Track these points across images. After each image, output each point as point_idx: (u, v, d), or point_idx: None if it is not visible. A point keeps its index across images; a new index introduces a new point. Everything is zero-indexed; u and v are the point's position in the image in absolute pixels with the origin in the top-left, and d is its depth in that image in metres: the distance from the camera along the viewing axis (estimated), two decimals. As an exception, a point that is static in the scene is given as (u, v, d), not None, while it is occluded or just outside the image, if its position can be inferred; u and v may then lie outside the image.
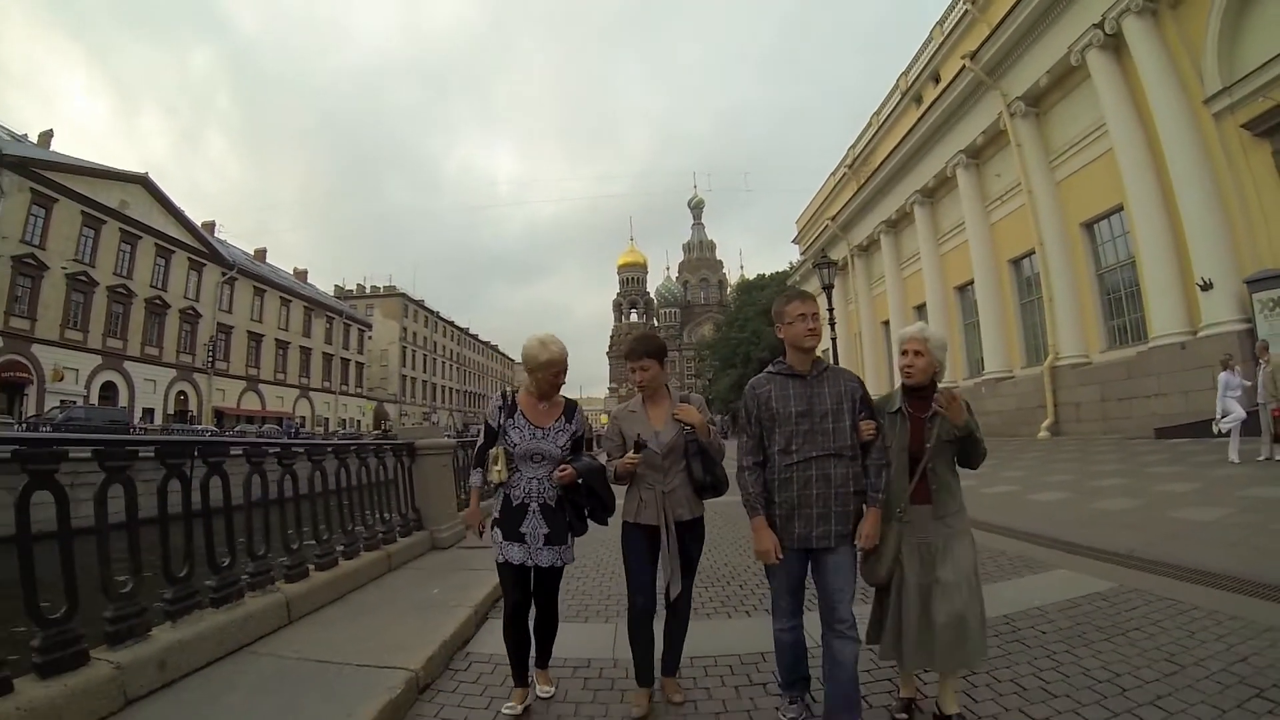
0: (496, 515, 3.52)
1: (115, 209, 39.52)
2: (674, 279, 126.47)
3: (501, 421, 3.53)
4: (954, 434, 2.99)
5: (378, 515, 6.94)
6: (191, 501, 4.17)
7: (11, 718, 2.61)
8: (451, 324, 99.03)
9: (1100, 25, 16.51)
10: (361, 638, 4.38)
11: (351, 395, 69.01)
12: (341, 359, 67.35)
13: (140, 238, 41.70)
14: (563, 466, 3.39)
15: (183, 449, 4.23)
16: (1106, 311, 18.75)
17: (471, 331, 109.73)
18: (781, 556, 2.94)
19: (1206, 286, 14.18)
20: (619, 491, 3.55)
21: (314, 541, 5.61)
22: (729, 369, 64.35)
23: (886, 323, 32.67)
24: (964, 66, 21.79)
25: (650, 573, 3.41)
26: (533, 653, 3.63)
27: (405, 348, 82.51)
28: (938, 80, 25.88)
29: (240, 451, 4.91)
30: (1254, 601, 4.44)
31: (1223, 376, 10.39)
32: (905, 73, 29.30)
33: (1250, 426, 10.16)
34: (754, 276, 79.79)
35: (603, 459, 3.66)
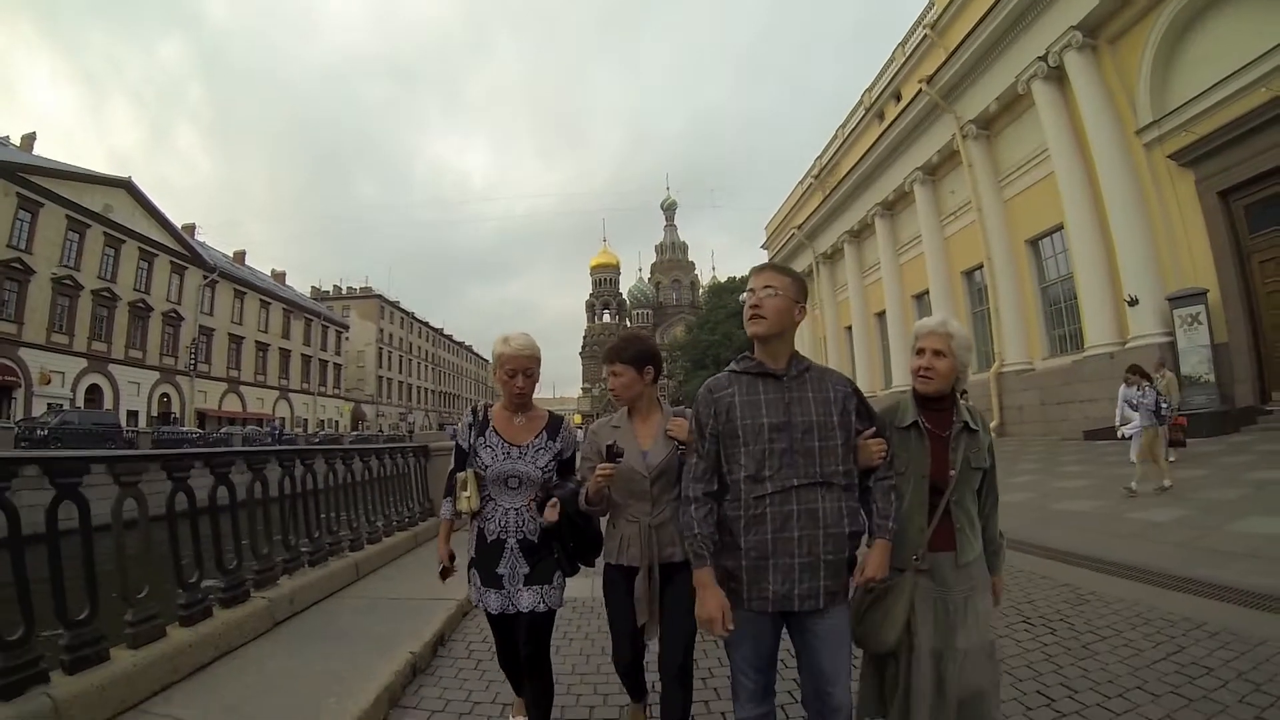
0: (472, 554, 3.05)
1: (99, 213, 39.97)
2: (646, 280, 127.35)
3: (472, 440, 3.04)
4: (985, 460, 2.47)
5: (404, 504, 8.48)
6: (296, 490, 5.85)
7: (218, 629, 4.17)
8: (426, 325, 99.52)
9: (1044, 58, 17.67)
10: (414, 584, 5.92)
11: (330, 396, 69.44)
12: (320, 360, 67.78)
13: (124, 241, 42.22)
14: (552, 501, 2.81)
15: (292, 454, 5.91)
16: (1049, 321, 20.08)
17: (446, 332, 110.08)
18: (732, 627, 2.22)
19: (1133, 302, 15.52)
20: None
21: (365, 522, 7.19)
22: (700, 370, 65.29)
23: (850, 328, 34.15)
24: (920, 90, 23.10)
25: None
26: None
27: (381, 349, 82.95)
28: (899, 99, 27.03)
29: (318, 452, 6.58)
30: (1068, 567, 6.07)
31: (1122, 390, 11.81)
32: (869, 89, 30.53)
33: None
34: (725, 279, 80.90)
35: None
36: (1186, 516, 7.33)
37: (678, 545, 2.68)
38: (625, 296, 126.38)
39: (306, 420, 63.29)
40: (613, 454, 2.68)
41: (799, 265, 39.45)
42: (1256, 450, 10.74)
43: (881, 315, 30.22)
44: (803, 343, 38.67)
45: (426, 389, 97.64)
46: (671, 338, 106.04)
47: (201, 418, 48.36)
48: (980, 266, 22.30)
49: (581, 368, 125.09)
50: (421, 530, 8.34)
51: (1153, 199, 15.67)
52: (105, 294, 40.72)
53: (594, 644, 4.62)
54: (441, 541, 3.11)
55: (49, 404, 34.89)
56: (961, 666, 2.29)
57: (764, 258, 49.77)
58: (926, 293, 25.74)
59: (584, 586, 4.67)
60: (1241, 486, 8.38)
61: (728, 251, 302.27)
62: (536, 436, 3.05)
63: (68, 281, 37.91)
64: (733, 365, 2.47)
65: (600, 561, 3.05)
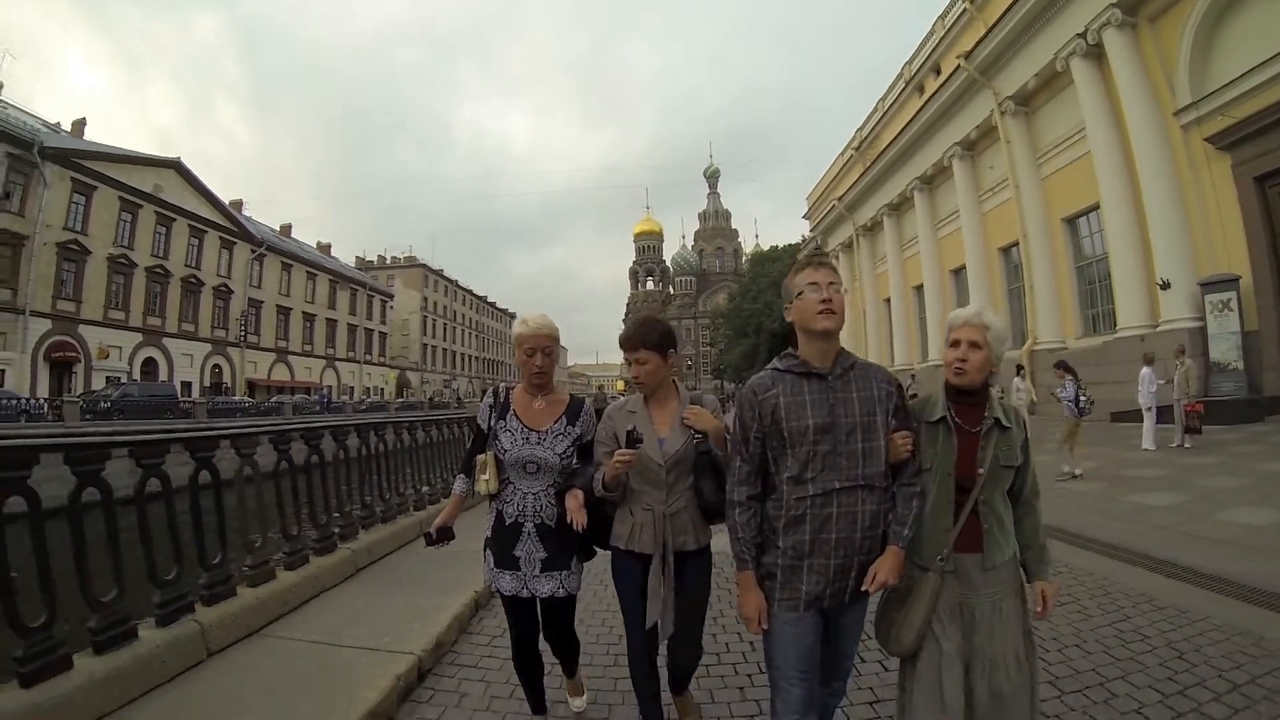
0: (488, 534, 3.10)
1: (150, 193, 41.27)
2: (690, 247, 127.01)
3: (492, 423, 3.03)
4: (1017, 459, 2.32)
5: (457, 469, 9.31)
6: (370, 454, 6.77)
7: (315, 572, 5.08)
8: (470, 292, 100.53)
9: (1083, 35, 17.50)
10: (471, 540, 6.79)
11: (375, 364, 70.97)
12: (365, 329, 69.29)
13: (175, 220, 43.59)
14: (580, 504, 2.74)
15: (368, 426, 6.87)
16: (1084, 301, 20.08)
17: (490, 300, 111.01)
18: (766, 627, 2.29)
19: (1165, 286, 15.51)
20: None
21: (427, 485, 8.11)
22: (742, 339, 65.47)
23: (888, 300, 34.15)
24: (959, 65, 22.91)
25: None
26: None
27: (426, 317, 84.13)
28: (938, 72, 26.92)
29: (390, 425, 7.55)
30: (1053, 543, 6.43)
31: (1144, 371, 11.99)
32: (909, 62, 30.37)
33: (1165, 416, 11.87)
34: (768, 248, 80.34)
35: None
36: (1181, 502, 7.61)
37: (690, 533, 2.77)
38: (669, 264, 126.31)
39: (353, 388, 64.78)
40: (632, 440, 2.64)
41: (839, 237, 39.57)
42: (1273, 441, 10.86)
43: (920, 289, 30.23)
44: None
45: (470, 356, 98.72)
46: (714, 305, 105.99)
47: (251, 387, 50.08)
48: (1016, 244, 22.26)
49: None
50: (475, 494, 9.45)
51: (1188, 182, 15.57)
52: (158, 270, 42.16)
53: (610, 591, 5.06)
54: (447, 514, 3.15)
55: (107, 377, 36.79)
56: (991, 672, 2.19)
57: (806, 228, 49.91)
58: (964, 268, 25.71)
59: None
60: (1245, 476, 8.59)
61: (770, 220, 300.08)
62: (556, 421, 3.02)
63: (122, 260, 39.36)
64: (775, 364, 2.42)
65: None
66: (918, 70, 29.31)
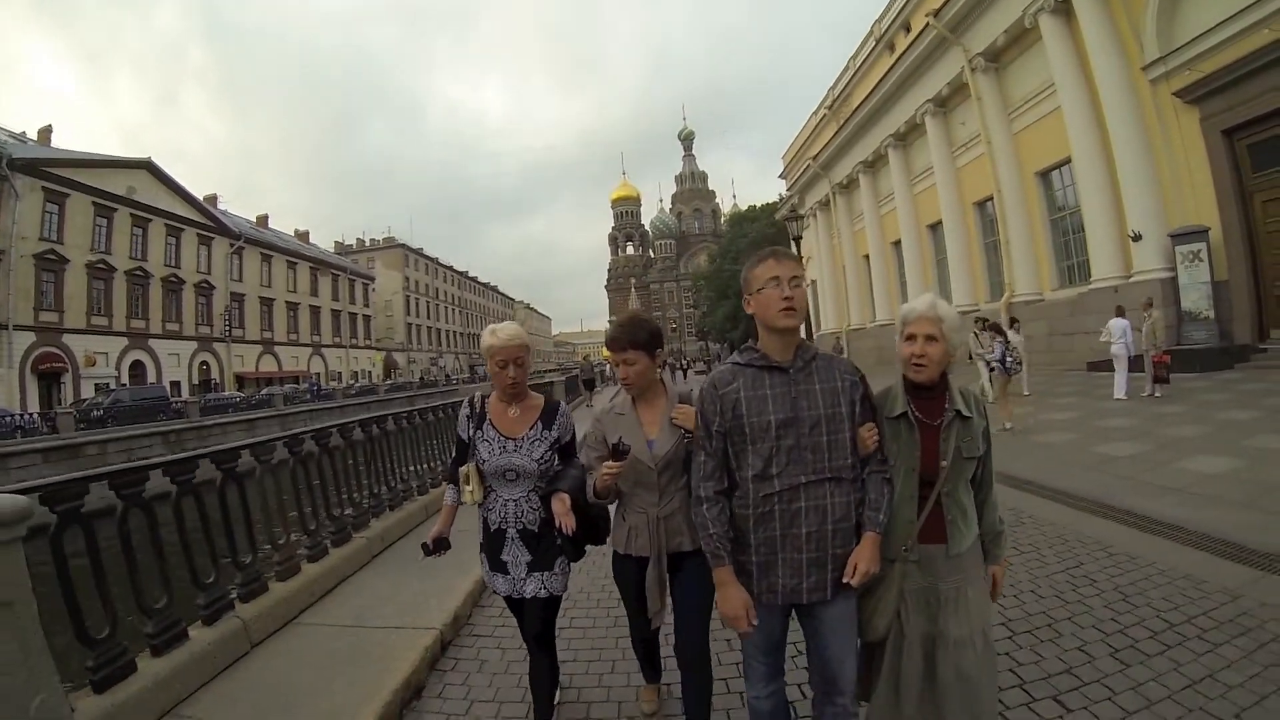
0: (480, 539, 3.14)
1: (124, 196, 41.05)
2: (668, 211, 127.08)
3: (471, 433, 3.03)
4: (979, 448, 2.32)
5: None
6: (374, 447, 7.08)
7: (335, 563, 5.44)
8: (451, 269, 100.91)
9: (1051, -10, 17.43)
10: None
11: (361, 348, 71.17)
12: (349, 313, 69.42)
13: (150, 220, 43.54)
14: (565, 506, 2.74)
15: (370, 420, 7.08)
16: (1059, 253, 20.26)
17: (471, 274, 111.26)
18: (756, 623, 2.27)
19: (1137, 238, 15.80)
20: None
21: (428, 469, 8.40)
22: (724, 300, 65.79)
23: (867, 256, 34.17)
24: (928, 23, 22.82)
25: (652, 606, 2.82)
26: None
27: (408, 296, 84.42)
28: (908, 30, 26.86)
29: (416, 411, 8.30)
30: (1020, 494, 6.83)
31: (1115, 322, 12.39)
32: (879, 20, 30.32)
33: (1137, 365, 12.21)
34: (746, 208, 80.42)
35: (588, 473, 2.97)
36: (1144, 452, 7.84)
37: (685, 535, 2.68)
38: (648, 228, 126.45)
39: (340, 373, 65.01)
40: (619, 451, 2.57)
41: (816, 195, 39.49)
42: (1239, 389, 11.17)
43: (898, 244, 30.29)
44: (823, 272, 39.05)
45: (455, 332, 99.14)
46: (695, 267, 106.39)
47: (240, 381, 50.18)
48: (991, 198, 22.41)
49: (608, 301, 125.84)
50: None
51: (1157, 136, 15.76)
52: (138, 273, 42.18)
53: (601, 582, 5.21)
54: (441, 525, 3.16)
55: (96, 385, 36.88)
56: (954, 652, 2.20)
57: (782, 187, 49.85)
58: (940, 223, 25.91)
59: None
60: (1207, 425, 8.81)
61: (749, 179, 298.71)
62: (531, 428, 2.99)
63: (101, 266, 39.33)
64: (736, 357, 2.40)
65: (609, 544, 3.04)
66: (888, 28, 29.26)
